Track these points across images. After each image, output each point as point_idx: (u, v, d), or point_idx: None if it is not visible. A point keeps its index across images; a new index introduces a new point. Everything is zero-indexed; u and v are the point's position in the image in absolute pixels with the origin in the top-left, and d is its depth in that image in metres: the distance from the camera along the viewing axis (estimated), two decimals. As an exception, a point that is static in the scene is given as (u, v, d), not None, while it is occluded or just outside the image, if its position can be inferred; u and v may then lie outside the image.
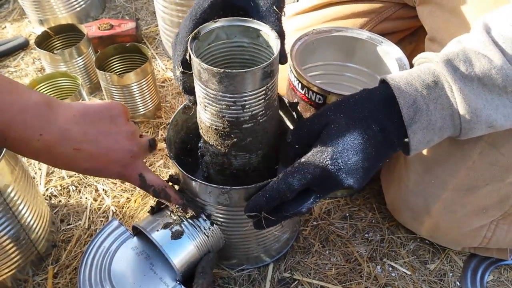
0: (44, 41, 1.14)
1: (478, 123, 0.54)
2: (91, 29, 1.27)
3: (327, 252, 0.83)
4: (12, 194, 0.71)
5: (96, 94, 1.19)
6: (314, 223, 0.87)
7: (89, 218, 0.89)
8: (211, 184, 0.63)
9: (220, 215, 0.68)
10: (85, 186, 0.95)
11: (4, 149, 0.68)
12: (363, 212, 0.90)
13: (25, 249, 0.76)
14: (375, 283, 0.79)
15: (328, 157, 0.53)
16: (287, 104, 0.71)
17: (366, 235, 0.86)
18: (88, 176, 0.96)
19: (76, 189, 0.95)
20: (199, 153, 0.70)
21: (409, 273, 0.80)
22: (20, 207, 0.73)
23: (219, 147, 0.63)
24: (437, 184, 0.73)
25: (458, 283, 0.80)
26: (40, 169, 0.99)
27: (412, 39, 1.02)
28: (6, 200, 0.70)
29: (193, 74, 0.57)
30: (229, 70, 0.53)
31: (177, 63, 0.62)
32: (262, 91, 0.56)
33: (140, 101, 1.05)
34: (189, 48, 0.55)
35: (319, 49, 0.93)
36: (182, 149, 0.78)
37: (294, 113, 0.70)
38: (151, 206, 0.71)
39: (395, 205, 0.83)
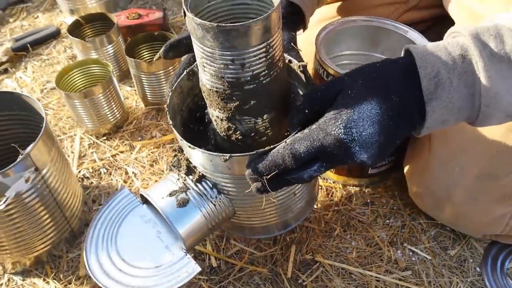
0: (75, 30, 1.18)
1: (496, 110, 0.49)
2: (120, 19, 1.31)
3: (348, 236, 0.85)
4: (48, 173, 0.75)
5: (125, 81, 1.22)
6: (336, 208, 0.89)
7: (119, 199, 0.92)
8: (209, 152, 0.59)
9: (226, 184, 0.65)
10: (115, 169, 0.99)
11: (42, 129, 0.72)
12: (384, 199, 0.91)
13: (59, 225, 0.81)
14: (395, 267, 0.80)
15: (342, 125, 0.49)
16: (297, 67, 0.67)
17: (387, 221, 0.88)
18: (118, 159, 1.00)
19: (107, 172, 0.99)
20: (206, 120, 0.68)
21: (429, 257, 0.81)
22: (56, 185, 0.77)
23: (222, 111, 0.60)
24: (460, 172, 0.73)
25: (478, 269, 0.80)
26: (73, 153, 1.03)
27: (438, 29, 1.02)
28: (44, 178, 0.74)
29: (191, 34, 0.54)
30: (223, 24, 0.49)
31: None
32: (262, 48, 0.53)
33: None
34: (183, 4, 0.52)
35: (344, 39, 0.94)
36: (191, 118, 0.75)
37: (303, 76, 0.66)
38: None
39: (417, 192, 0.83)
